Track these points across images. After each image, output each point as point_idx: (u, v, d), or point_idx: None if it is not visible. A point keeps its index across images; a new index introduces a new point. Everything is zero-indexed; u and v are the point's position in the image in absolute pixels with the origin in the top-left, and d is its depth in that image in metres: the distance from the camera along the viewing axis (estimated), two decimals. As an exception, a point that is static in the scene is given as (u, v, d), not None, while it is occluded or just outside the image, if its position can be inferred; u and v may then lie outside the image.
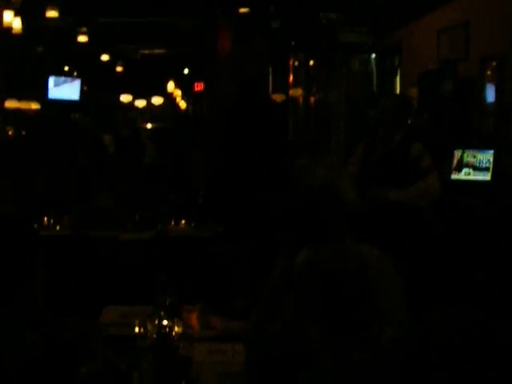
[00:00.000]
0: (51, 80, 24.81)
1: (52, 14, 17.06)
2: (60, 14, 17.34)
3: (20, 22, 11.82)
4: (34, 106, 24.94)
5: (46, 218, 8.20)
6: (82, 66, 26.34)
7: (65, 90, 24.92)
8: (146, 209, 8.92)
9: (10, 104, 21.64)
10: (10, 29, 11.65)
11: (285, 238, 4.17)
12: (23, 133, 21.55)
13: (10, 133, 21.66)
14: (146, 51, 26.08)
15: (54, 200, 8.86)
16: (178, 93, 28.79)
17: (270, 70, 17.69)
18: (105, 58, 24.42)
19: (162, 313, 4.31)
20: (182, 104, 29.35)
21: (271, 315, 4.01)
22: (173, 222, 8.76)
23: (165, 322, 4.14)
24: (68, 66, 27.15)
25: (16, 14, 11.58)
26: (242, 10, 16.10)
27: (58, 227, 8.16)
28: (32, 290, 2.54)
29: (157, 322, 4.19)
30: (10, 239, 2.49)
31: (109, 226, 8.40)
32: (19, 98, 23.76)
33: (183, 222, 8.86)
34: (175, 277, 6.01)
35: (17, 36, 12.49)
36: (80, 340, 3.12)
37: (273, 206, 6.60)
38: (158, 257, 7.94)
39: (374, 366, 2.68)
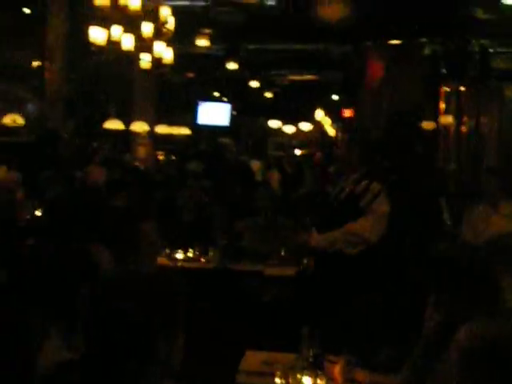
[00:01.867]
0: (201, 106, 25.24)
1: (202, 42, 17.40)
2: (210, 41, 17.66)
3: (172, 54, 12.02)
4: (184, 131, 25.45)
5: (191, 250, 8.18)
6: (231, 91, 26.68)
7: (214, 115, 25.29)
8: (291, 242, 8.74)
9: (161, 129, 22.13)
10: (160, 59, 11.85)
11: (439, 288, 3.89)
12: (173, 157, 21.97)
13: (160, 157, 22.15)
14: (295, 77, 26.13)
15: (200, 231, 8.86)
16: (326, 120, 28.69)
17: (421, 98, 17.32)
18: (254, 84, 24.62)
19: (304, 364, 4.13)
20: (331, 131, 29.23)
21: (424, 374, 3.75)
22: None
23: (306, 378, 3.97)
24: (217, 91, 27.56)
25: (168, 45, 11.79)
26: (393, 42, 15.87)
27: (203, 259, 8.12)
28: (170, 348, 2.37)
29: (299, 375, 4.02)
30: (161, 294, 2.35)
31: (254, 260, 8.29)
32: (170, 124, 24.31)
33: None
34: (319, 319, 5.81)
35: (166, 65, 12.69)
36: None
37: (426, 254, 6.23)
38: (301, 294, 7.74)
39: None
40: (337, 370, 4.42)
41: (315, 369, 4.16)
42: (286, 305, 7.70)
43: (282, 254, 8.40)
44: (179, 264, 7.93)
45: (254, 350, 5.10)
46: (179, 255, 8.08)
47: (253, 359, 4.92)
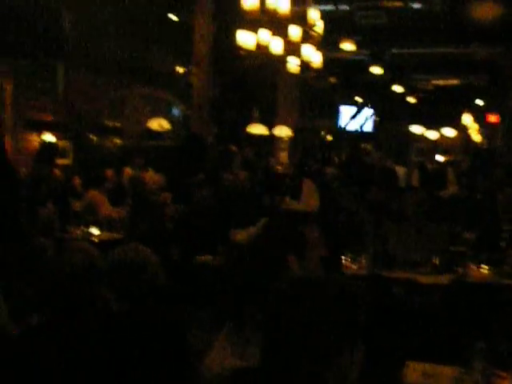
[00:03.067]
0: (343, 110, 25.07)
1: (348, 46, 17.22)
2: (356, 46, 17.47)
3: (320, 57, 11.89)
4: (327, 136, 25.37)
5: (343, 257, 8.01)
6: (374, 96, 26.40)
7: (356, 120, 25.08)
8: (444, 249, 8.43)
9: (302, 135, 22.13)
10: (308, 62, 11.74)
11: None
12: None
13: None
14: (439, 82, 25.59)
15: (351, 237, 8.69)
16: (473, 125, 27.95)
17: None
18: (398, 89, 24.24)
19: (475, 379, 3.91)
20: (477, 137, 28.45)
21: None
22: (473, 266, 8.12)
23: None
24: (360, 96, 27.33)
25: (316, 49, 11.66)
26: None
27: (354, 266, 7.94)
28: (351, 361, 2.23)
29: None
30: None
31: (406, 267, 8.05)
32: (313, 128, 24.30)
33: (484, 266, 8.21)
34: (481, 332, 5.56)
35: (314, 69, 12.58)
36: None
37: None
38: (456, 304, 7.45)
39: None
40: (507, 384, 4.20)
41: (485, 384, 3.94)
42: (439, 314, 7.45)
43: (435, 261, 8.11)
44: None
45: (413, 361, 4.91)
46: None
47: (414, 371, 4.73)
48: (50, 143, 15.38)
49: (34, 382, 2.93)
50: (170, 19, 18.94)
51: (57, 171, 12.93)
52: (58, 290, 3.15)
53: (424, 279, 7.82)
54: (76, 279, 3.17)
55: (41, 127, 15.68)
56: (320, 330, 2.13)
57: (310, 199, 10.40)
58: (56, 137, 15.93)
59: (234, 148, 16.61)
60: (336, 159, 21.08)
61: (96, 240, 9.54)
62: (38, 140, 15.61)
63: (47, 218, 9.49)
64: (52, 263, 3.23)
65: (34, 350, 3.04)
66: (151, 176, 13.02)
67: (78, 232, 10.00)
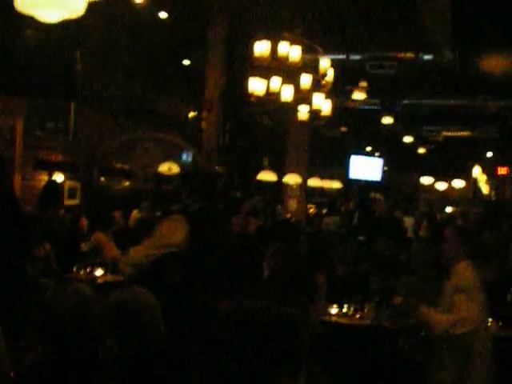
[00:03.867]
0: (353, 160, 25.11)
1: (359, 96, 17.29)
2: (367, 95, 17.55)
3: (330, 106, 11.93)
4: (336, 184, 25.38)
5: (346, 305, 7.97)
6: (384, 146, 26.46)
7: (366, 169, 25.10)
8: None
9: (313, 182, 22.13)
10: (319, 111, 11.78)
11: None
12: (324, 211, 21.91)
13: (311, 210, 22.15)
14: (449, 133, 25.65)
15: (355, 286, 8.65)
16: (481, 177, 27.96)
17: None
18: (408, 139, 24.29)
19: None
20: (485, 188, 28.44)
21: None
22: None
23: None
24: (370, 146, 27.40)
25: (326, 97, 11.71)
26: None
27: (358, 315, 7.89)
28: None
29: None
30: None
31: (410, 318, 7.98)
32: (321, 177, 24.31)
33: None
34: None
35: (324, 117, 12.63)
36: None
37: None
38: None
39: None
40: None
41: None
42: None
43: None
44: (333, 319, 7.71)
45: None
46: (334, 310, 7.87)
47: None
48: (54, 182, 15.40)
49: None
50: (183, 65, 19.11)
51: (61, 212, 12.95)
52: (51, 329, 3.14)
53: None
54: (68, 320, 3.15)
55: (50, 167, 15.73)
56: (258, 355, 2.13)
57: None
58: (65, 177, 15.98)
59: (237, 194, 16.63)
60: (342, 208, 21.10)
61: (100, 281, 9.51)
62: (47, 179, 15.65)
63: (45, 258, 9.48)
64: (48, 303, 3.21)
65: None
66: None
67: (82, 273, 9.98)
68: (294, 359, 2.18)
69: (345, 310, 7.93)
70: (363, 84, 17.01)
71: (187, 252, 5.97)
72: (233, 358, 2.14)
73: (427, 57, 16.91)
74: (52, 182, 15.28)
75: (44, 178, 15.60)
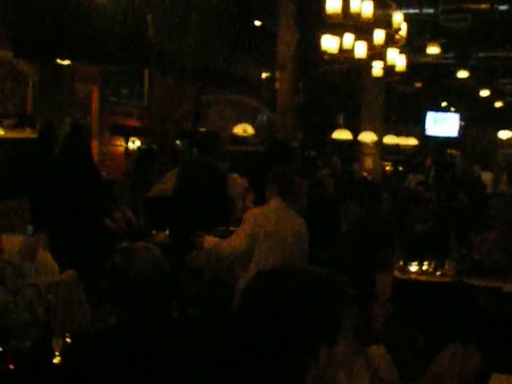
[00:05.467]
0: (429, 116, 24.76)
1: (433, 50, 16.98)
2: (441, 49, 17.23)
3: (404, 61, 11.78)
4: (412, 141, 25.11)
5: (426, 263, 7.88)
6: (460, 101, 26.01)
7: (442, 125, 24.73)
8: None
9: (389, 140, 21.94)
10: (393, 66, 11.64)
11: None
12: (400, 169, 21.70)
13: (387, 168, 21.95)
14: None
15: (435, 243, 8.54)
16: None
17: None
18: (484, 93, 23.81)
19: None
20: None
21: None
22: None
23: None
24: (446, 101, 26.96)
25: (400, 53, 11.55)
26: None
27: (438, 273, 7.80)
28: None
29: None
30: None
31: (492, 275, 7.86)
32: (397, 134, 24.08)
33: None
34: None
35: (398, 73, 12.47)
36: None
37: None
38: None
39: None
40: None
41: None
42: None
43: (523, 269, 7.89)
44: (413, 277, 7.64)
45: (498, 373, 4.77)
46: (413, 268, 7.80)
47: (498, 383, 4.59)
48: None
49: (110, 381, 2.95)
50: (254, 26, 19.04)
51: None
52: (128, 292, 3.17)
53: (510, 288, 7.62)
54: (145, 281, 3.18)
55: (126, 132, 15.91)
56: (296, 325, 2.03)
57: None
58: (141, 142, 16.15)
59: (313, 153, 16.58)
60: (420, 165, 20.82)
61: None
62: (124, 145, 15.84)
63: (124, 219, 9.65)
64: (122, 266, 3.23)
65: (110, 349, 3.06)
66: (236, 179, 13.05)
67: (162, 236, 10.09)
68: (334, 325, 2.08)
69: (425, 267, 7.86)
70: (436, 39, 16.71)
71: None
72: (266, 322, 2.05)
73: (503, 7, 16.52)
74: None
75: (121, 143, 15.80)
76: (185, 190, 7.50)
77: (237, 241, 5.71)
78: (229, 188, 7.90)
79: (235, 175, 12.96)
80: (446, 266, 7.81)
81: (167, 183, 7.99)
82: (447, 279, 7.69)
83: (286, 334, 1.97)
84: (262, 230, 5.67)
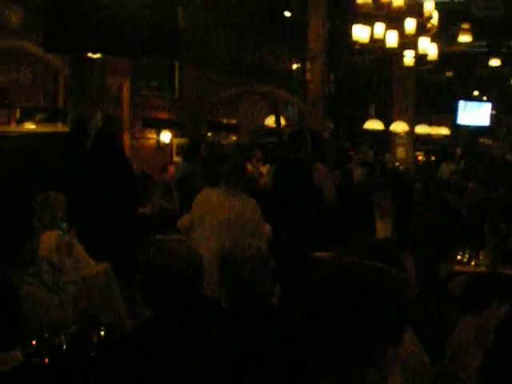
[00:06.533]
0: (461, 105, 24.55)
1: (465, 38, 16.82)
2: (472, 38, 17.07)
3: (436, 49, 11.69)
4: (444, 131, 24.91)
5: (460, 252, 7.81)
6: (492, 90, 25.78)
7: (474, 115, 24.51)
8: None
9: (421, 129, 21.78)
10: (424, 55, 11.57)
11: None
12: (432, 158, 21.56)
13: (419, 158, 21.83)
14: None
15: (471, 233, 8.46)
16: None
17: None
18: (517, 81, 23.61)
19: None
20: None
21: None
22: None
23: None
24: (478, 90, 26.73)
25: (432, 41, 11.47)
26: None
27: (473, 263, 7.73)
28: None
29: None
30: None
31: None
32: (429, 124, 23.89)
33: None
34: None
35: (430, 62, 12.38)
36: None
37: None
38: None
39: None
40: None
41: None
42: None
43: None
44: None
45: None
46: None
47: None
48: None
49: (149, 376, 2.95)
50: (284, 16, 18.99)
51: (171, 168, 13.15)
52: (166, 283, 3.16)
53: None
54: (180, 274, 3.17)
55: (158, 125, 15.94)
56: (354, 324, 1.91)
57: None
58: (173, 134, 16.17)
59: (346, 144, 16.48)
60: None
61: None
62: (156, 138, 15.88)
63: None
64: (158, 258, 3.22)
65: (147, 343, 3.06)
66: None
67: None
68: (401, 325, 2.00)
69: (459, 257, 7.79)
70: (467, 27, 16.53)
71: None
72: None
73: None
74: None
75: (152, 136, 15.85)
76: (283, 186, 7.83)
77: (183, 219, 6.48)
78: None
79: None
80: (481, 257, 7.75)
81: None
82: (482, 269, 7.64)
83: (362, 334, 1.89)
84: (198, 210, 6.24)
